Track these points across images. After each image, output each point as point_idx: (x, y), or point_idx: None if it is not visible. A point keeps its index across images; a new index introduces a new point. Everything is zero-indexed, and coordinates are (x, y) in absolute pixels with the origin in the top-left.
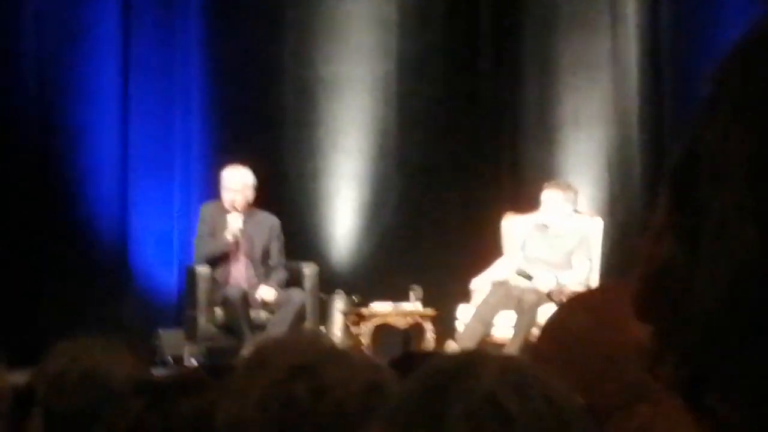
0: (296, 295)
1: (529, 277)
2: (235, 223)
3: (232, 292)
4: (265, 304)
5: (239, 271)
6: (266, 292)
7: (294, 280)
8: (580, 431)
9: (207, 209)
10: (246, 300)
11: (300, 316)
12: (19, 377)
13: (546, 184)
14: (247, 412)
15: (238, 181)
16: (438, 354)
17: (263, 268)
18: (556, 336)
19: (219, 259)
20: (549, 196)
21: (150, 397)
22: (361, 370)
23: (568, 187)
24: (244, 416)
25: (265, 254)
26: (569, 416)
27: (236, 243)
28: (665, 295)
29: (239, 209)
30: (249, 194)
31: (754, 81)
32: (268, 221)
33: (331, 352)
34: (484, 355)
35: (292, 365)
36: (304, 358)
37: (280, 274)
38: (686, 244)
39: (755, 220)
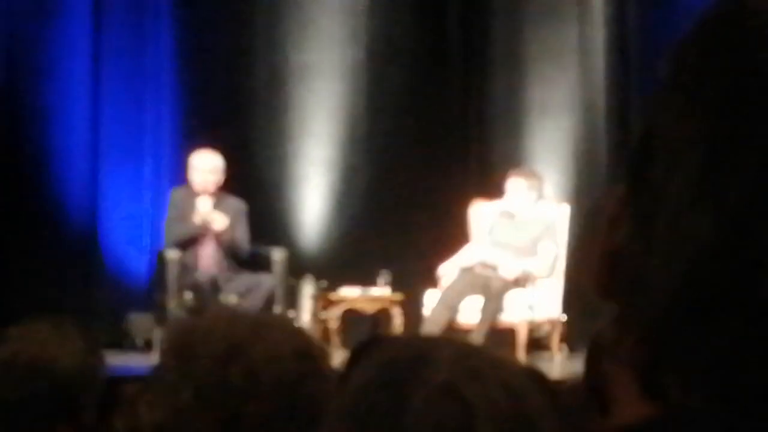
0: (265, 280)
1: (493, 268)
2: (204, 206)
3: (202, 277)
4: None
5: (208, 256)
6: (219, 221)
7: (263, 265)
8: (538, 416)
9: (177, 193)
10: (216, 285)
11: (269, 302)
12: None
13: (511, 171)
14: (186, 405)
15: (209, 163)
16: (390, 342)
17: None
18: None
19: (188, 243)
20: (513, 183)
21: None
22: (287, 339)
23: (532, 174)
24: (182, 408)
25: (233, 238)
26: (527, 401)
27: (205, 227)
28: (622, 278)
29: (210, 191)
30: (219, 177)
31: (711, 62)
32: (235, 205)
33: (253, 326)
34: (437, 341)
35: (221, 349)
36: (230, 340)
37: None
38: (642, 228)
39: (709, 205)
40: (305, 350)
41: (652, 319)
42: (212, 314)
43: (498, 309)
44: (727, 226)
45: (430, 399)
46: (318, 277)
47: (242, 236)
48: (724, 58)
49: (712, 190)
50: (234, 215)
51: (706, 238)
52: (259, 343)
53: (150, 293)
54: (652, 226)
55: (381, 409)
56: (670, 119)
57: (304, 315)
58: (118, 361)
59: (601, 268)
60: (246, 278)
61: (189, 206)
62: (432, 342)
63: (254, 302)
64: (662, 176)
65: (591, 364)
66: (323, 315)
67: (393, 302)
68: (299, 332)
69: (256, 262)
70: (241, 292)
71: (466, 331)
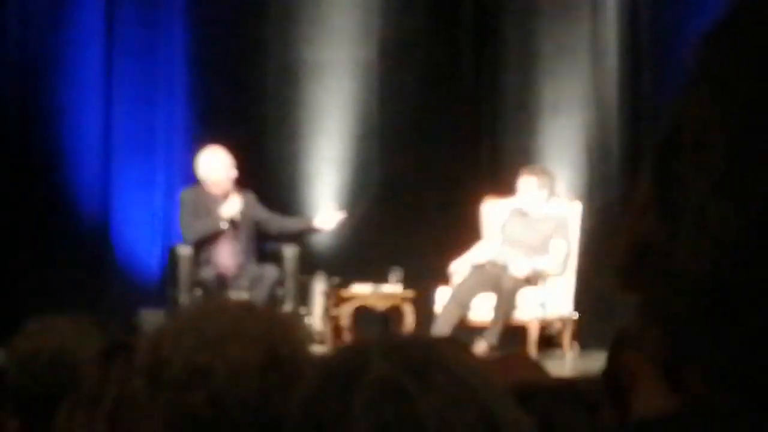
0: (269, 272)
1: (503, 266)
2: (233, 207)
3: (207, 274)
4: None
5: (227, 251)
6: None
7: (275, 262)
8: (489, 399)
9: (188, 194)
10: (223, 281)
11: (273, 294)
12: None
13: (522, 169)
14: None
15: (224, 161)
16: (326, 357)
17: (251, 243)
18: None
19: (208, 239)
20: (525, 181)
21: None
22: (252, 351)
23: (543, 172)
24: None
25: (253, 229)
26: (474, 387)
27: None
28: (647, 270)
29: (229, 189)
30: (234, 173)
31: (736, 57)
32: (247, 197)
33: (218, 339)
34: (370, 343)
35: (185, 375)
36: (193, 363)
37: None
38: (668, 221)
39: (734, 196)
40: (270, 361)
41: (676, 311)
42: (180, 322)
43: (511, 307)
44: (752, 217)
45: (369, 398)
46: (330, 273)
47: (268, 215)
48: (749, 49)
49: (737, 182)
50: (250, 207)
51: (731, 229)
52: (222, 363)
53: (161, 289)
54: (678, 218)
55: (327, 417)
56: (696, 110)
57: (316, 312)
58: None
59: (626, 259)
60: (251, 270)
61: (202, 206)
62: (363, 346)
63: (259, 295)
64: (688, 167)
65: (613, 358)
66: (335, 312)
67: (405, 299)
68: (267, 335)
69: (269, 259)
70: (247, 286)
71: (478, 329)
